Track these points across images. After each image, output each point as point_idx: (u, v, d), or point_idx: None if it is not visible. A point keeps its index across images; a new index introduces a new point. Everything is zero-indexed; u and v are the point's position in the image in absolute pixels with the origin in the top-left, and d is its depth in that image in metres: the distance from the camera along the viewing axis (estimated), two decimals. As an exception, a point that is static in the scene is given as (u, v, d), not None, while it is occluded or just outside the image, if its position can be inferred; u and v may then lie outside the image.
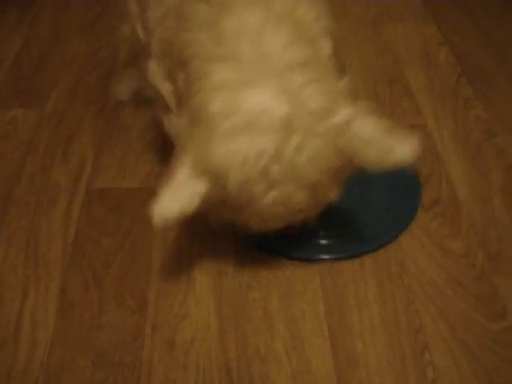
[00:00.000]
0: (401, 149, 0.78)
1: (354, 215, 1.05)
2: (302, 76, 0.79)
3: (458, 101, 1.32)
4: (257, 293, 0.94)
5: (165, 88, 0.94)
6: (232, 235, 1.03)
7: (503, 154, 1.18)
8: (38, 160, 1.20)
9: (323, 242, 1.02)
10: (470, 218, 1.06)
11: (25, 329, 0.91)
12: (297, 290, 0.95)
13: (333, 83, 0.83)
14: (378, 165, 0.79)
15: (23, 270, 0.99)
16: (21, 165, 1.19)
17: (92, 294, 0.95)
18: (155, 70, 0.96)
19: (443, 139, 1.22)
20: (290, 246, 0.99)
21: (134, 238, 1.04)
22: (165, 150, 1.20)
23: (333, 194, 0.85)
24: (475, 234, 1.03)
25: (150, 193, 1.09)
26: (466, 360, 0.85)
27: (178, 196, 0.79)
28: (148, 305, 0.93)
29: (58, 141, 1.25)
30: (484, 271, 0.97)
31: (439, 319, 0.90)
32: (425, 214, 1.06)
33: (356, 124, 0.79)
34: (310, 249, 1.00)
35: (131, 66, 1.27)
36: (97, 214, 1.09)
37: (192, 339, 0.89)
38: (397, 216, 1.05)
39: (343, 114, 0.78)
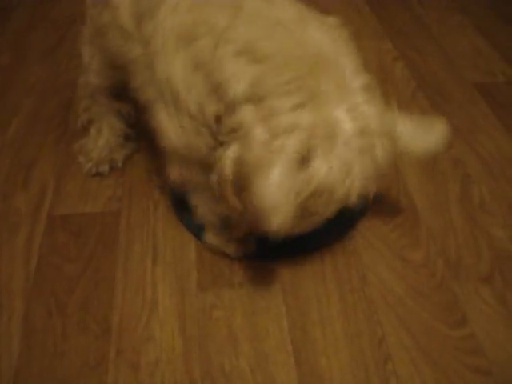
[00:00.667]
0: (436, 133, 0.90)
1: None
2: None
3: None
4: (221, 312, 0.95)
5: None
6: (195, 255, 1.04)
7: (459, 164, 1.21)
8: (-2, 188, 1.20)
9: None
10: (428, 228, 1.08)
11: (-13, 359, 0.90)
12: (260, 307, 0.95)
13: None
14: (422, 150, 0.89)
15: (-15, 300, 0.99)
16: (-19, 194, 1.19)
17: (55, 320, 0.95)
18: None
19: (400, 154, 1.24)
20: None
21: (96, 262, 1.04)
22: (126, 174, 1.21)
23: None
24: (434, 244, 1.05)
25: (112, 216, 1.12)
26: (429, 368, 0.87)
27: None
28: (112, 329, 0.93)
29: (19, 168, 1.24)
30: (444, 279, 0.99)
31: (401, 329, 0.92)
32: (384, 226, 1.08)
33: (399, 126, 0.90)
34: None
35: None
36: (59, 240, 1.08)
37: (157, 361, 0.89)
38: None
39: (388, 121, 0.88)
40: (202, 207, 1.02)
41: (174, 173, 0.97)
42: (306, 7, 0.89)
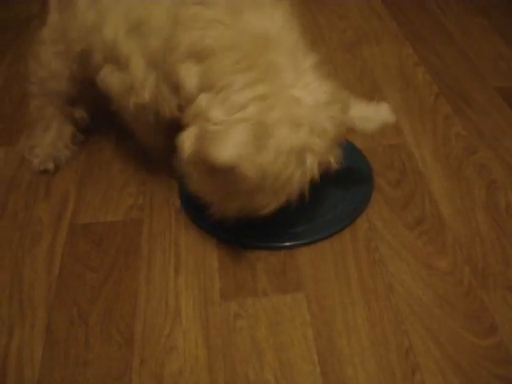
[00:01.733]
0: (383, 113, 0.98)
1: (313, 206, 1.09)
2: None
3: (436, 119, 1.34)
4: (244, 321, 0.94)
5: None
6: (217, 263, 1.03)
7: (484, 170, 1.19)
8: (20, 197, 1.20)
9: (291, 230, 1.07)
10: (454, 235, 1.06)
11: (11, 369, 0.90)
12: (284, 317, 0.94)
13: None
14: (372, 127, 0.99)
15: (8, 309, 0.98)
16: (3, 203, 1.19)
17: (78, 330, 0.94)
18: None
19: (424, 158, 1.23)
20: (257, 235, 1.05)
21: (118, 271, 1.03)
22: (147, 182, 1.21)
23: (333, 159, 0.93)
24: (461, 251, 1.03)
25: (133, 225, 1.11)
26: (457, 379, 0.85)
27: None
28: (135, 338, 0.92)
29: (41, 177, 1.24)
30: (471, 287, 0.97)
31: (428, 338, 0.90)
32: (410, 234, 1.06)
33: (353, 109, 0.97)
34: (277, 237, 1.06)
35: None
36: (81, 249, 1.08)
37: (180, 371, 0.88)
38: (351, 203, 1.12)
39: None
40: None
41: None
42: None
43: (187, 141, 0.89)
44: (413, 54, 1.57)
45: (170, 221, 1.12)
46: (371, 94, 1.43)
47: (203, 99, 0.90)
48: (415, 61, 1.54)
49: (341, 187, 1.14)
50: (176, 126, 0.97)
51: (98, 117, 1.33)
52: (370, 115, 0.98)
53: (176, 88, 0.96)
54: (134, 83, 1.01)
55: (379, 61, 1.56)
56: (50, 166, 1.25)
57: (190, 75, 0.92)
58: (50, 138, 1.27)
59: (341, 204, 1.12)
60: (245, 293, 0.98)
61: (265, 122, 0.85)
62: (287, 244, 1.05)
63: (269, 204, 0.92)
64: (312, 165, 0.90)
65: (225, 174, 0.84)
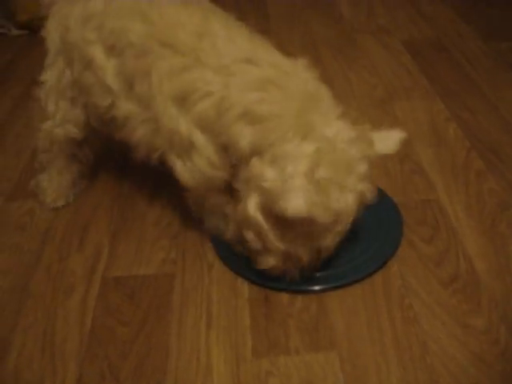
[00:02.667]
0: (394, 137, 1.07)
1: (342, 250, 1.10)
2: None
3: (469, 174, 1.33)
4: (276, 379, 0.92)
5: None
6: (249, 319, 1.02)
7: (518, 225, 1.18)
8: (54, 249, 1.22)
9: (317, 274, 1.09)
10: (489, 293, 1.04)
11: (41, 424, 0.89)
12: (317, 376, 0.92)
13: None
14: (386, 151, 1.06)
15: (39, 362, 0.99)
16: (38, 255, 1.20)
17: (109, 385, 0.94)
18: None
19: (457, 214, 1.22)
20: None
21: (150, 326, 1.03)
22: (179, 236, 1.22)
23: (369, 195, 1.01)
24: (496, 309, 1.01)
25: (165, 279, 1.12)
26: None
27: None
28: (166, 395, 0.91)
29: (75, 230, 1.26)
30: (508, 347, 0.95)
31: (465, 400, 0.87)
32: (444, 291, 1.05)
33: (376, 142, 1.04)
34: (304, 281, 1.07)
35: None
36: (113, 302, 1.08)
37: (211, 430, 0.86)
38: (381, 246, 1.14)
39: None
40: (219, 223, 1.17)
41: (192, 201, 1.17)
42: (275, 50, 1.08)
43: (256, 211, 0.98)
44: (444, 109, 1.58)
45: (202, 275, 1.12)
46: (403, 147, 1.42)
47: (256, 164, 0.98)
48: (446, 116, 1.55)
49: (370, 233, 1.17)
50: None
51: (130, 169, 1.38)
52: (386, 140, 1.06)
53: (225, 148, 1.03)
54: (204, 168, 1.06)
55: (410, 116, 1.56)
56: (62, 203, 1.33)
57: (243, 135, 0.99)
58: (57, 178, 1.33)
59: (371, 248, 1.14)
60: (277, 350, 0.97)
61: (313, 169, 0.94)
62: (317, 288, 1.07)
63: (333, 241, 1.02)
64: (352, 197, 0.98)
65: (299, 223, 0.95)
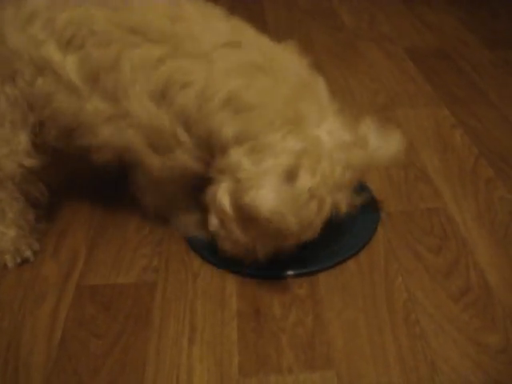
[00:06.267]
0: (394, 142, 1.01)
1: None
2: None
3: (478, 182, 1.24)
4: (265, 401, 0.82)
5: None
6: (237, 334, 0.92)
7: (533, 236, 1.08)
8: (27, 255, 1.11)
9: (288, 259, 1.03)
10: (504, 307, 0.94)
11: None
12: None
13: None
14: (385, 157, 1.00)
15: (1, 376, 0.88)
16: (9, 260, 1.10)
17: (76, 405, 0.83)
18: None
19: (466, 223, 1.12)
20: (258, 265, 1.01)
21: (126, 339, 0.92)
22: (163, 243, 1.12)
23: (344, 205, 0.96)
24: (512, 326, 0.91)
25: (146, 289, 1.01)
26: None
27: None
28: (140, 418, 0.81)
29: (51, 235, 1.16)
30: (526, 369, 0.84)
31: (480, 428, 0.77)
32: (454, 306, 0.95)
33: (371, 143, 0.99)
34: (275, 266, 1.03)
35: None
36: (87, 312, 0.98)
37: None
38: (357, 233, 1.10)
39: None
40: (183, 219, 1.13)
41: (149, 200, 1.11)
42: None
43: (224, 197, 0.93)
44: (449, 115, 1.49)
45: (186, 285, 1.02)
46: (406, 154, 1.33)
47: (235, 153, 0.92)
48: (452, 123, 1.46)
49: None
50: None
51: (109, 177, 1.25)
52: (383, 146, 1.00)
53: (204, 138, 0.96)
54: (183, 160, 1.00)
55: (414, 123, 1.48)
56: (28, 254, 1.09)
57: (227, 123, 0.92)
58: (13, 230, 1.08)
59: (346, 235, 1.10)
60: (267, 369, 0.86)
61: (292, 170, 0.89)
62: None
63: (296, 244, 0.97)
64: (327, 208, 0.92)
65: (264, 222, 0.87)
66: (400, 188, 1.24)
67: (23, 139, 1.04)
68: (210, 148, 0.96)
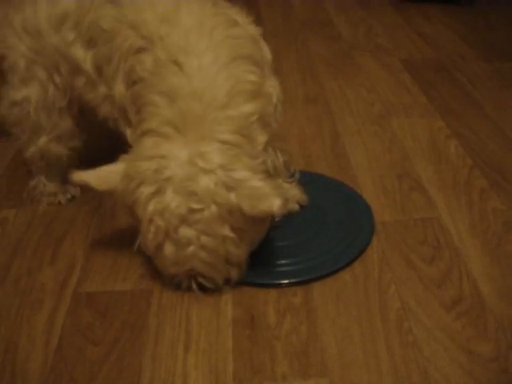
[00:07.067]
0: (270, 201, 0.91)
1: (312, 245, 1.11)
2: None
3: (472, 193, 1.25)
4: (259, 408, 0.83)
5: None
6: (232, 342, 0.93)
7: (526, 247, 1.09)
8: (25, 261, 1.12)
9: (284, 268, 1.06)
10: (496, 317, 0.95)
11: None
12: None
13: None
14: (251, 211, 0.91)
15: (-2, 382, 0.89)
16: (6, 267, 1.11)
17: (72, 411, 0.84)
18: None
19: (460, 233, 1.14)
20: (253, 272, 1.03)
21: (122, 346, 0.93)
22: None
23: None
24: (504, 335, 0.92)
25: (142, 296, 1.02)
26: None
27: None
28: (135, 424, 0.81)
29: (48, 241, 1.17)
30: (518, 377, 0.85)
31: None
32: (447, 315, 0.96)
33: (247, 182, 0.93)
34: (270, 275, 1.05)
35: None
36: (84, 319, 0.99)
37: None
38: (351, 243, 1.11)
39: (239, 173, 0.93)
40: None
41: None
42: None
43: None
44: (444, 126, 1.51)
45: (182, 293, 1.03)
46: (401, 164, 1.36)
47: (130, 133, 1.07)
48: (447, 134, 1.48)
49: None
50: None
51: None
52: (257, 200, 0.91)
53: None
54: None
55: (409, 133, 1.49)
56: (75, 191, 1.30)
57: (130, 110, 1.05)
58: (50, 185, 1.29)
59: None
60: (261, 376, 0.87)
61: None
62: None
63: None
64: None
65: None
66: (394, 198, 1.26)
67: (69, 124, 1.21)
68: None
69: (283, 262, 1.07)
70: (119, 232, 1.19)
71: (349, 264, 1.07)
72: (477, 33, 2.11)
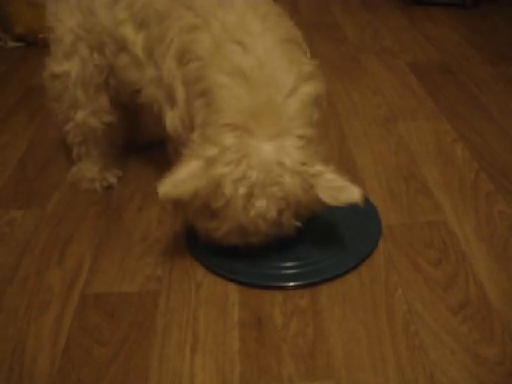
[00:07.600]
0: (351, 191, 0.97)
1: (319, 247, 1.11)
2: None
3: (478, 196, 1.25)
4: (266, 410, 0.83)
5: None
6: (239, 343, 0.93)
7: (533, 251, 1.09)
8: (32, 262, 1.13)
9: (291, 271, 1.07)
10: (502, 321, 0.95)
11: None
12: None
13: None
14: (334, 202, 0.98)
15: (6, 382, 0.89)
16: (14, 267, 1.12)
17: (80, 412, 0.84)
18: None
19: (467, 236, 1.14)
20: (260, 274, 1.05)
21: (129, 347, 0.94)
22: (167, 252, 1.13)
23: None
24: (510, 338, 0.92)
25: (149, 297, 1.03)
26: None
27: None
28: (142, 425, 0.82)
29: (56, 242, 1.18)
30: (524, 381, 0.85)
31: None
32: (453, 318, 0.96)
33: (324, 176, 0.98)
34: (277, 277, 1.06)
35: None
36: (91, 320, 0.99)
37: None
38: (358, 246, 1.11)
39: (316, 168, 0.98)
40: None
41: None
42: None
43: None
44: (451, 130, 1.51)
45: (189, 295, 1.03)
46: (407, 167, 1.36)
47: (195, 134, 1.02)
48: (453, 137, 1.48)
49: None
50: None
51: (119, 182, 1.35)
52: (338, 191, 0.98)
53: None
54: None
55: (415, 136, 1.49)
56: (113, 180, 1.34)
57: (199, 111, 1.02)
58: (96, 165, 1.34)
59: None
60: (268, 378, 0.88)
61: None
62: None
63: None
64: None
65: None
66: (401, 201, 1.26)
67: (104, 100, 1.26)
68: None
69: (290, 264, 1.07)
70: (127, 233, 1.20)
71: (355, 267, 1.07)
72: (482, 35, 2.11)
